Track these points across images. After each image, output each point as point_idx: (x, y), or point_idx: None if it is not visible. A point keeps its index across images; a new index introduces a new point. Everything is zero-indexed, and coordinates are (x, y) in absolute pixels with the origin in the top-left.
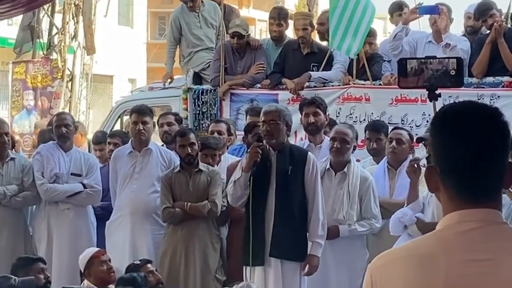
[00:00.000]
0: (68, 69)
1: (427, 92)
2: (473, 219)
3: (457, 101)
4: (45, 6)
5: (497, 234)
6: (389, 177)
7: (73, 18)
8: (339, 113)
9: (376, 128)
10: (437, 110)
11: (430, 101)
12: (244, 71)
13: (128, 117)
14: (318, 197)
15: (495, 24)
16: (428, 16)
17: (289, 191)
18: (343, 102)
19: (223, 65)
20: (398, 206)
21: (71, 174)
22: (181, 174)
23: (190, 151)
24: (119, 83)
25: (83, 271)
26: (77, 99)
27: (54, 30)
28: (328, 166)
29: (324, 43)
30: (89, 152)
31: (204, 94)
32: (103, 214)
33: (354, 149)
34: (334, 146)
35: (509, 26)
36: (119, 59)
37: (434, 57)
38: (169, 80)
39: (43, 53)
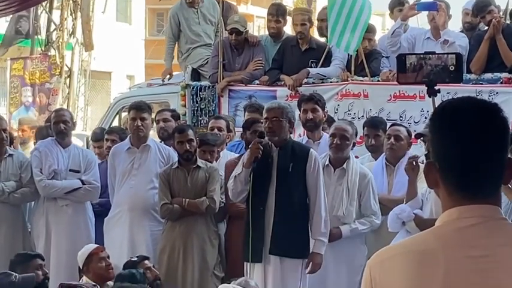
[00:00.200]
0: (66, 65)
1: (426, 87)
2: (473, 215)
3: (455, 97)
4: (44, 3)
5: (496, 230)
6: (387, 174)
7: (71, 15)
8: (337, 110)
9: (374, 124)
10: (436, 106)
11: (429, 96)
12: (243, 67)
13: (126, 113)
14: (320, 194)
15: (493, 20)
16: (426, 12)
17: (289, 188)
18: (341, 98)
19: (221, 62)
20: (397, 202)
21: (70, 170)
22: (180, 170)
23: (188, 147)
24: (117, 79)
25: (81, 267)
26: (75, 95)
27: (52, 27)
28: (327, 162)
29: (323, 39)
30: (87, 148)
31: (202, 90)
32: (101, 210)
33: (354, 146)
34: (334, 142)
35: (507, 22)
36: (117, 56)
37: (434, 53)
38: (168, 76)
39: (41, 50)
